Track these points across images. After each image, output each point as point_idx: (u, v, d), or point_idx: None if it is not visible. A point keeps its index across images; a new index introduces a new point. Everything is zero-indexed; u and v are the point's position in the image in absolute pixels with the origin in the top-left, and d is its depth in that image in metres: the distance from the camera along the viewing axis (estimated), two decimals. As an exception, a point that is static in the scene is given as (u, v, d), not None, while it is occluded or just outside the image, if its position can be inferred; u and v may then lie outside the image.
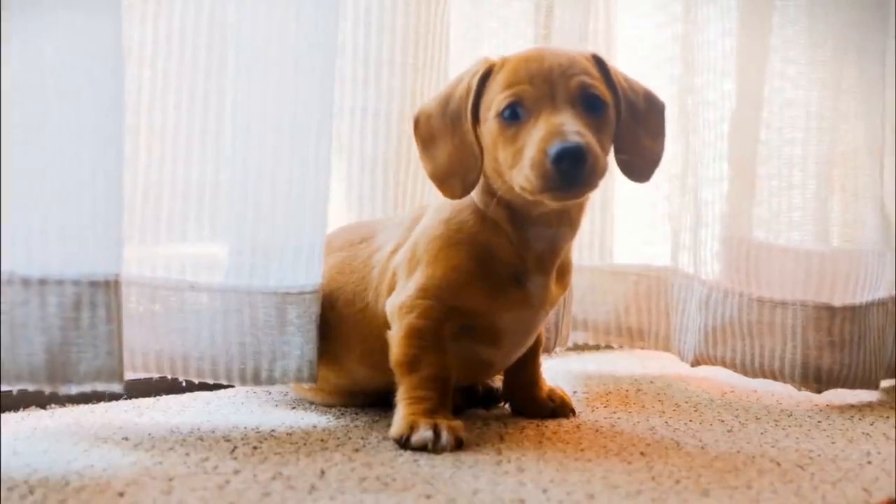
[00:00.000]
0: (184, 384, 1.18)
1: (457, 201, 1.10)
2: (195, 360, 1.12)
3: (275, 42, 1.10)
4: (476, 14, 1.46)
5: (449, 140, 1.07)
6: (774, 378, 1.37)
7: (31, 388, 0.95)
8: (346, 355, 1.15)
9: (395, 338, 1.08)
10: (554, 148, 0.96)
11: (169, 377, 1.13)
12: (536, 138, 0.98)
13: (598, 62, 1.07)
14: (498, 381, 1.26)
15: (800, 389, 1.37)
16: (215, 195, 1.13)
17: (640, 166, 1.09)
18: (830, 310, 1.34)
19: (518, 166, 1.00)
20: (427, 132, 1.09)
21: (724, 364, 1.40)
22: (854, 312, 1.35)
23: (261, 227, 1.12)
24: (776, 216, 1.40)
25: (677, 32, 1.51)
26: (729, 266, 1.40)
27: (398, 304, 1.08)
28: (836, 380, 1.35)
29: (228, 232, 1.13)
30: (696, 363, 1.43)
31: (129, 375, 1.19)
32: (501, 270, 1.08)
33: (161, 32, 1.11)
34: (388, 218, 1.25)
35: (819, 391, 1.36)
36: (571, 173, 0.96)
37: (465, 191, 1.07)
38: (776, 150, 1.40)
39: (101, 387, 0.97)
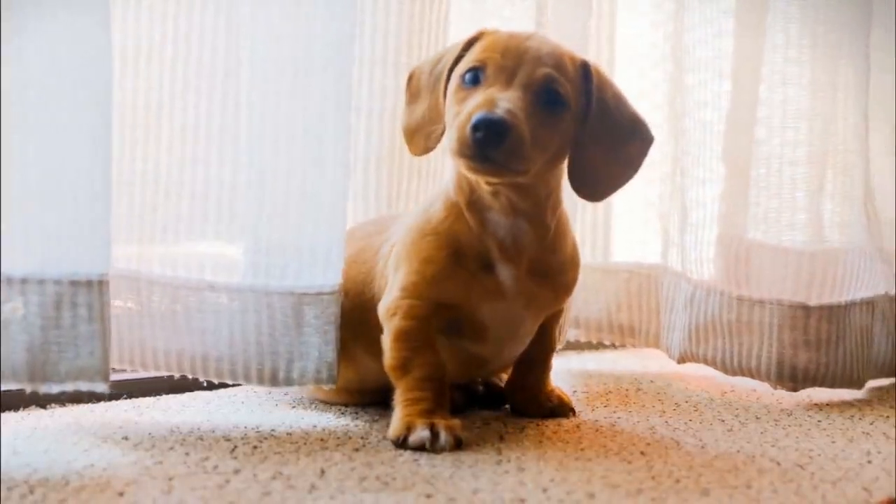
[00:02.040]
0: (205, 383, 1.18)
1: (433, 194, 1.12)
2: (214, 360, 1.12)
3: (290, 41, 1.10)
4: (478, 13, 1.46)
5: (427, 98, 1.10)
6: (752, 376, 1.38)
7: (11, 386, 0.96)
8: (355, 345, 1.16)
9: (386, 341, 1.08)
10: (476, 115, 0.96)
11: (189, 377, 1.14)
12: (471, 104, 0.99)
13: (584, 69, 1.07)
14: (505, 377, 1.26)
15: (775, 388, 1.37)
16: (233, 195, 1.13)
17: (594, 185, 1.09)
18: (806, 309, 1.35)
19: (451, 128, 1.01)
20: (416, 87, 1.12)
21: (706, 362, 1.41)
22: (831, 312, 1.36)
23: (278, 227, 1.12)
24: (761, 215, 1.40)
25: (669, 31, 1.50)
26: (712, 265, 1.41)
27: (385, 307, 1.09)
28: (813, 379, 1.35)
29: (246, 232, 1.13)
30: (681, 360, 1.44)
31: (150, 374, 1.20)
32: (470, 258, 1.07)
33: (181, 32, 1.12)
34: (404, 213, 1.25)
35: (795, 390, 1.36)
36: (485, 145, 0.96)
37: (427, 149, 1.10)
38: (764, 149, 1.40)
39: (83, 386, 0.97)
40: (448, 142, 1.01)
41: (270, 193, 1.12)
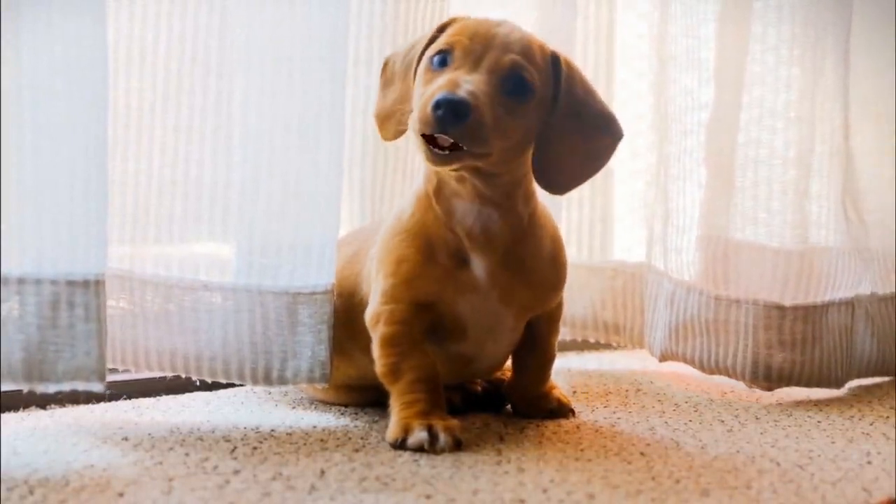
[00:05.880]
0: (203, 383, 1.18)
1: (409, 193, 1.12)
2: (208, 359, 1.12)
3: (284, 40, 1.10)
4: (475, 13, 1.46)
5: (400, 84, 1.09)
6: (728, 375, 1.39)
7: (8, 387, 0.96)
8: (353, 344, 1.16)
9: (375, 349, 1.08)
10: (438, 95, 0.96)
11: (183, 376, 1.14)
12: (436, 85, 0.99)
13: (554, 60, 1.06)
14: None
15: (750, 387, 1.39)
16: (227, 195, 1.13)
17: (556, 177, 1.08)
18: (781, 309, 1.36)
19: (415, 108, 1.01)
20: (389, 74, 1.13)
21: (685, 360, 1.42)
22: (807, 312, 1.37)
23: (272, 227, 1.12)
24: (741, 216, 1.41)
25: (655, 34, 1.50)
26: (692, 264, 1.42)
27: (369, 314, 1.09)
28: (788, 378, 1.36)
29: (240, 232, 1.13)
30: (663, 359, 1.45)
31: (150, 374, 1.20)
32: (442, 252, 1.07)
33: (174, 32, 1.12)
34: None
35: (770, 389, 1.37)
36: (445, 123, 0.96)
37: (398, 133, 1.09)
38: (745, 151, 1.41)
39: (80, 386, 0.97)
40: (411, 122, 1.00)
41: (264, 193, 1.12)
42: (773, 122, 1.40)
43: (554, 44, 1.13)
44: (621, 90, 1.56)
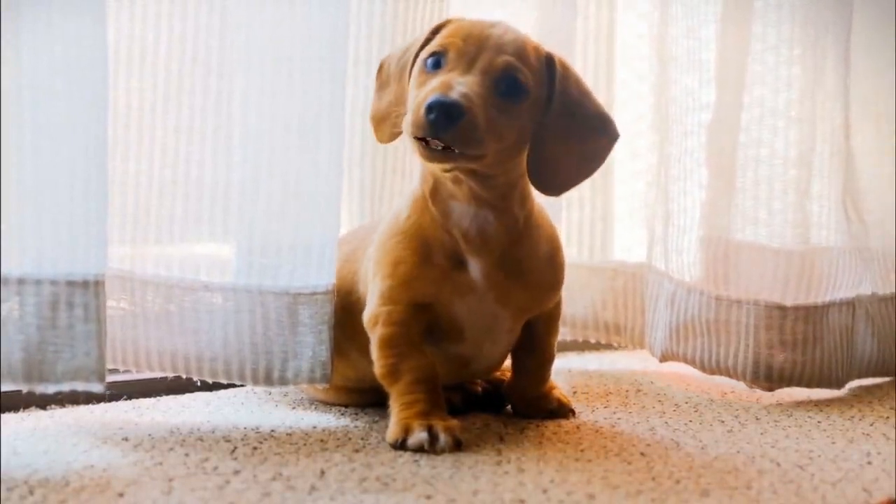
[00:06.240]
0: (204, 384, 1.18)
1: (406, 194, 1.12)
2: (208, 360, 1.12)
3: (284, 40, 1.10)
4: (473, 14, 1.46)
5: (395, 86, 1.09)
6: (729, 375, 1.39)
7: (8, 387, 0.96)
8: (349, 345, 1.16)
9: (373, 350, 1.08)
10: (431, 97, 0.96)
11: (183, 377, 1.14)
12: (429, 87, 0.99)
13: (548, 61, 1.06)
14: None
15: (751, 388, 1.39)
16: (227, 195, 1.13)
17: (552, 177, 1.08)
18: (782, 309, 1.36)
19: (409, 111, 1.00)
20: (385, 76, 1.12)
21: (685, 360, 1.43)
22: (808, 312, 1.37)
23: (272, 227, 1.12)
24: (742, 216, 1.42)
25: (655, 34, 1.50)
26: (693, 265, 1.43)
27: (367, 316, 1.09)
28: (789, 379, 1.37)
29: (240, 232, 1.13)
30: (663, 359, 1.45)
31: (150, 374, 1.20)
32: (439, 254, 1.07)
33: (175, 32, 1.12)
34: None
35: (770, 389, 1.38)
36: (438, 127, 0.95)
37: (393, 135, 1.10)
38: (745, 152, 1.41)
39: (80, 386, 0.97)
40: (405, 125, 1.00)
41: (264, 193, 1.12)
42: (774, 121, 1.41)
43: (554, 44, 1.13)
44: (622, 91, 1.56)
